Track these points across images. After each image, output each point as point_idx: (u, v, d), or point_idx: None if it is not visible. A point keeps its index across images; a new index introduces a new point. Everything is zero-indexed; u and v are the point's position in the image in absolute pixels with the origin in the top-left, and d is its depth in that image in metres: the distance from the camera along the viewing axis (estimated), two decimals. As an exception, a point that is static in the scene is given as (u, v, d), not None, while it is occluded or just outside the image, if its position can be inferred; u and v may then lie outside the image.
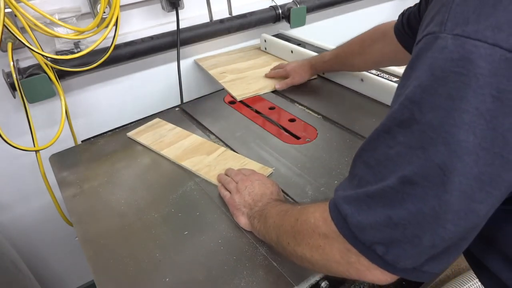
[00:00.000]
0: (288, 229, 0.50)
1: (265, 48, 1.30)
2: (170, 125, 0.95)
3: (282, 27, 1.36)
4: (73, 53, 0.94)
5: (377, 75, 1.00)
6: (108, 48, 0.95)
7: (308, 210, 0.48)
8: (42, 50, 0.88)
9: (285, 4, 1.28)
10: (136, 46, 1.05)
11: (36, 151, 0.95)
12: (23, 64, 0.93)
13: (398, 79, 1.00)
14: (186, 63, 1.24)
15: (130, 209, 0.71)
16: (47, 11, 0.86)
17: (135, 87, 1.18)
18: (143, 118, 1.01)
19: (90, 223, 0.69)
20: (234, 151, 0.85)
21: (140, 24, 1.10)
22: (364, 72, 1.00)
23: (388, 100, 0.95)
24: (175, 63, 1.13)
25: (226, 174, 0.74)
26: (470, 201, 0.34)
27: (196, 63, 1.24)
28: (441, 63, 0.34)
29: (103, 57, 0.96)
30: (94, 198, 0.75)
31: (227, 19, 1.18)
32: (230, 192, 0.69)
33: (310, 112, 0.97)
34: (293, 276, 0.56)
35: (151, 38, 1.08)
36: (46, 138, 0.95)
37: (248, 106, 1.02)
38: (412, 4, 0.76)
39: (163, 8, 1.09)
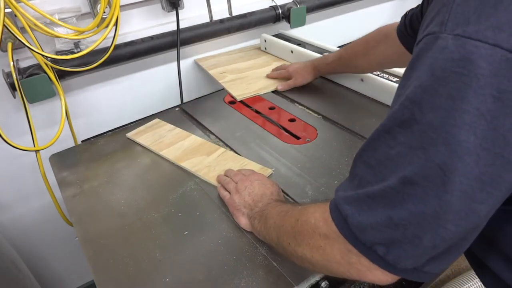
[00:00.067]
0: (288, 230, 0.50)
1: (265, 48, 1.30)
2: (169, 126, 0.94)
3: (282, 27, 1.36)
4: (73, 53, 0.94)
5: (377, 75, 1.00)
6: (108, 48, 0.95)
7: (309, 210, 0.48)
8: (42, 50, 0.88)
9: (285, 4, 1.28)
10: (136, 46, 1.05)
11: (36, 151, 0.95)
12: (23, 64, 0.93)
13: (398, 79, 1.00)
14: (186, 63, 1.24)
15: (130, 209, 0.71)
16: (47, 11, 0.86)
17: (135, 87, 1.17)
18: (143, 118, 1.01)
19: (90, 223, 0.69)
20: (234, 151, 0.85)
21: (140, 24, 1.10)
22: (364, 72, 1.00)
23: (388, 100, 0.96)
24: (175, 63, 1.13)
25: (225, 175, 0.74)
26: (471, 202, 0.34)
27: (196, 63, 1.24)
28: (441, 63, 0.34)
29: (103, 57, 0.96)
30: (94, 198, 0.75)
31: (227, 19, 1.18)
32: (229, 193, 0.69)
33: (310, 112, 0.97)
34: (293, 276, 0.56)
35: (151, 38, 1.08)
36: (46, 138, 0.95)
37: (248, 106, 1.02)
38: (412, 4, 0.76)
39: (163, 8, 1.09)
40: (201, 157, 0.82)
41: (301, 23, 1.30)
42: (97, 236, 0.66)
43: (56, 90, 0.94)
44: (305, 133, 0.88)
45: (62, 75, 0.96)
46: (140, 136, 0.91)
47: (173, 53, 1.13)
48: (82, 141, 1.00)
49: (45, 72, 0.90)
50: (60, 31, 0.88)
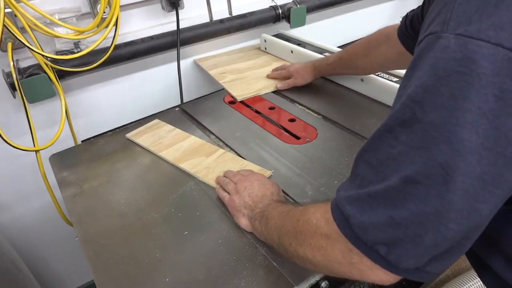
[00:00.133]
0: (289, 230, 0.50)
1: (265, 48, 1.30)
2: (169, 127, 0.94)
3: (282, 27, 1.36)
4: (73, 53, 0.94)
5: (377, 75, 1.00)
6: (108, 48, 0.95)
7: (310, 210, 0.48)
8: (42, 50, 0.88)
9: (285, 4, 1.28)
10: (136, 46, 1.05)
11: (36, 151, 0.95)
12: (23, 64, 0.93)
13: (398, 80, 1.00)
14: (186, 63, 1.24)
15: (130, 209, 0.71)
16: (47, 11, 0.86)
17: (135, 87, 1.17)
18: (143, 118, 1.01)
19: (90, 223, 0.69)
20: (234, 151, 0.85)
21: (140, 24, 1.10)
22: (365, 72, 1.00)
23: (388, 100, 0.96)
24: (175, 63, 1.13)
25: (224, 176, 0.74)
26: (473, 201, 0.33)
27: (196, 63, 1.24)
28: (443, 62, 0.34)
29: (103, 57, 0.96)
30: (94, 198, 0.75)
31: (227, 19, 1.18)
32: (228, 193, 0.69)
33: (310, 112, 0.97)
34: (293, 276, 0.56)
35: (151, 38, 1.08)
36: (46, 138, 0.95)
37: (248, 106, 1.02)
38: (412, 4, 0.76)
39: (163, 8, 1.09)
40: (200, 158, 0.82)
41: (301, 23, 1.30)
42: (97, 236, 0.66)
43: (56, 90, 0.94)
44: (305, 133, 0.88)
45: (62, 75, 0.96)
46: (140, 137, 0.91)
47: (173, 53, 1.13)
48: (82, 141, 1.00)
49: (45, 72, 0.90)
50: (60, 31, 0.88)
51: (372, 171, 0.40)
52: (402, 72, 1.01)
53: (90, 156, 0.89)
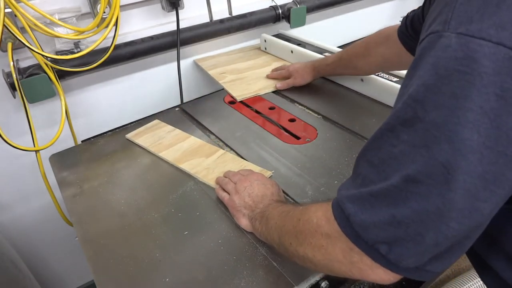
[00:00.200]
0: (290, 229, 0.50)
1: (265, 48, 1.30)
2: (169, 127, 0.94)
3: (282, 27, 1.36)
4: (73, 53, 0.94)
5: (377, 75, 1.00)
6: (108, 48, 0.95)
7: (310, 209, 0.48)
8: (42, 50, 0.88)
9: (285, 4, 1.28)
10: (136, 46, 1.05)
11: (36, 151, 0.95)
12: (23, 64, 0.93)
13: (398, 79, 1.00)
14: (186, 63, 1.24)
15: (130, 209, 0.71)
16: (47, 11, 0.86)
17: (135, 87, 1.17)
18: (143, 118, 1.01)
19: (90, 223, 0.69)
20: (234, 151, 0.85)
21: (140, 24, 1.10)
22: (365, 72, 1.00)
23: (388, 100, 0.96)
24: (175, 63, 1.13)
25: (224, 176, 0.74)
26: (474, 200, 0.34)
27: (195, 63, 1.24)
28: (444, 62, 0.34)
29: (103, 57, 0.96)
30: (94, 198, 0.75)
31: (227, 19, 1.18)
32: (228, 194, 0.68)
33: (310, 112, 0.97)
34: (293, 276, 0.56)
35: (151, 38, 1.08)
36: (46, 138, 0.95)
37: (248, 106, 1.02)
38: (412, 4, 0.76)
39: (163, 8, 1.09)
40: (200, 159, 0.82)
41: (301, 23, 1.30)
42: (97, 236, 0.66)
43: (56, 90, 0.94)
44: (305, 133, 0.88)
45: (62, 75, 0.96)
46: (140, 137, 0.91)
47: (173, 53, 1.13)
48: (82, 141, 1.00)
49: (45, 72, 0.90)
50: (60, 31, 0.88)
51: (373, 170, 0.40)
52: (402, 72, 1.01)
53: (90, 156, 0.89)
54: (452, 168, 0.33)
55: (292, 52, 1.20)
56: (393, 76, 1.02)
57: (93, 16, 0.95)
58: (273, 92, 1.08)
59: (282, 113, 0.98)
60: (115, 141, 0.93)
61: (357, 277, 0.43)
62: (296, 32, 1.35)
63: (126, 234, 0.66)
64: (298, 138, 0.87)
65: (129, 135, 0.92)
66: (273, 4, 1.28)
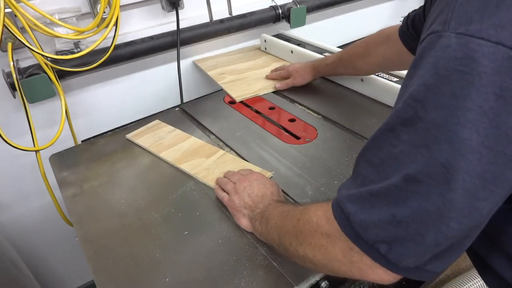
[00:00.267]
0: (290, 229, 0.50)
1: (265, 48, 1.30)
2: (169, 127, 0.94)
3: (282, 27, 1.36)
4: (73, 53, 0.94)
5: (377, 75, 1.00)
6: (108, 48, 0.95)
7: (310, 209, 0.48)
8: (42, 50, 0.88)
9: (285, 4, 1.28)
10: (136, 46, 1.05)
11: (36, 151, 0.95)
12: (23, 64, 0.93)
13: (398, 79, 1.00)
14: (186, 63, 1.24)
15: (130, 209, 0.71)
16: (47, 11, 0.86)
17: (135, 87, 1.17)
18: (143, 118, 1.01)
19: (90, 223, 0.69)
20: (234, 151, 0.85)
21: (140, 24, 1.10)
22: (365, 72, 1.00)
23: (388, 100, 0.96)
24: (175, 63, 1.13)
25: (224, 177, 0.74)
26: (474, 199, 0.34)
27: (195, 64, 1.24)
28: (444, 61, 0.34)
29: (103, 57, 0.96)
30: (94, 198, 0.75)
31: (227, 19, 1.18)
32: (228, 194, 0.68)
33: (310, 112, 0.97)
34: (293, 276, 0.56)
35: (151, 38, 1.08)
36: (46, 138, 0.95)
37: (248, 106, 1.02)
38: (412, 4, 0.76)
39: (163, 8, 1.09)
40: (200, 159, 0.82)
41: (301, 23, 1.30)
42: (97, 236, 0.66)
43: (56, 90, 0.94)
44: (305, 133, 0.88)
45: (62, 75, 0.96)
46: (140, 137, 0.91)
47: (173, 53, 1.13)
48: (82, 141, 1.00)
49: (45, 72, 0.90)
50: (60, 31, 0.88)
51: (373, 170, 0.40)
52: (402, 72, 1.01)
53: (90, 156, 0.89)
54: (452, 168, 0.33)
55: (292, 52, 1.20)
56: (393, 76, 1.02)
57: (93, 16, 0.95)
58: (273, 92, 1.08)
59: (282, 113, 0.98)
60: (115, 141, 0.93)
61: (357, 277, 0.43)
62: (296, 32, 1.35)
63: (126, 234, 0.66)
64: (298, 138, 0.87)
65: (130, 135, 0.92)
66: (273, 4, 1.28)
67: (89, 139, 0.96)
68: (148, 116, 1.02)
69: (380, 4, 1.63)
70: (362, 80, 1.01)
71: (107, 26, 0.90)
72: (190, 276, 0.58)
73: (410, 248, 0.37)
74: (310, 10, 1.32)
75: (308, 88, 1.07)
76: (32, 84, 0.89)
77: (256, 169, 0.77)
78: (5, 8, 0.75)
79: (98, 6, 0.91)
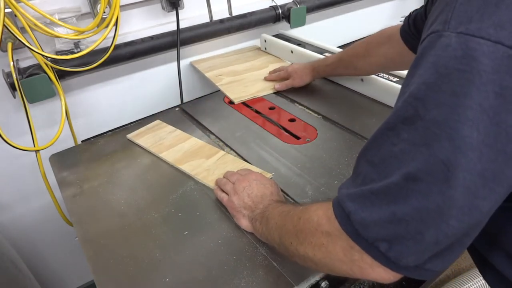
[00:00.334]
0: (290, 229, 0.50)
1: (265, 48, 1.30)
2: (170, 128, 0.94)
3: (282, 27, 1.36)
4: (73, 53, 0.94)
5: (378, 75, 1.00)
6: (108, 48, 0.95)
7: (311, 209, 0.48)
8: (42, 50, 0.88)
9: (285, 4, 1.28)
10: (136, 46, 1.05)
11: (36, 151, 0.95)
12: (23, 64, 0.93)
13: (398, 79, 1.00)
14: (186, 63, 1.24)
15: (130, 209, 0.71)
16: (47, 11, 0.86)
17: (135, 87, 1.17)
18: (143, 118, 1.01)
19: (90, 223, 0.69)
20: (234, 151, 0.85)
21: (140, 24, 1.10)
22: (365, 72, 1.00)
23: (388, 101, 0.96)
24: (175, 63, 1.13)
25: (223, 177, 0.73)
26: (474, 197, 0.34)
27: (192, 65, 1.24)
28: (445, 60, 0.34)
29: (103, 57, 0.96)
30: (94, 198, 0.75)
31: (227, 19, 1.18)
32: (227, 194, 0.68)
33: (310, 112, 0.97)
34: (293, 276, 0.56)
35: (151, 38, 1.08)
36: (46, 138, 0.95)
37: (248, 106, 1.02)
38: (411, 4, 0.76)
39: (163, 8, 1.09)
40: (200, 160, 0.82)
41: (301, 23, 1.30)
42: (97, 236, 0.66)
43: (56, 90, 0.94)
44: (305, 133, 0.88)
45: (62, 75, 0.96)
46: (140, 137, 0.91)
47: (173, 53, 1.13)
48: (82, 141, 1.00)
49: (45, 72, 0.90)
50: (60, 31, 0.88)
51: (374, 169, 0.40)
52: (402, 72, 1.01)
53: (90, 156, 0.89)
54: (452, 165, 0.33)
55: (292, 52, 1.20)
56: (393, 76, 1.02)
57: (93, 16, 0.95)
58: (273, 92, 1.08)
59: (282, 113, 0.98)
60: (115, 141, 0.93)
61: (358, 275, 0.43)
62: (296, 32, 1.35)
63: (126, 234, 0.66)
64: (298, 138, 0.87)
65: (130, 135, 0.92)
66: (273, 4, 1.28)
67: (89, 139, 0.96)
68: (148, 116, 1.02)
69: (380, 4, 1.63)
70: (362, 80, 1.01)
71: (107, 26, 0.90)
72: (190, 276, 0.58)
73: (410, 247, 0.37)
74: (310, 10, 1.32)
75: (308, 88, 1.07)
76: (32, 84, 0.89)
77: (256, 170, 0.77)
78: (5, 8, 0.75)
79: (98, 6, 0.91)
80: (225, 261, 0.59)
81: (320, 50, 1.19)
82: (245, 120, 0.96)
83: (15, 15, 0.82)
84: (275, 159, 0.80)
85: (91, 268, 0.61)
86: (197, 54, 1.25)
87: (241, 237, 0.63)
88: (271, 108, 1.00)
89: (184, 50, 1.20)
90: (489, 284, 0.52)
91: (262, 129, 0.91)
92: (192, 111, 1.02)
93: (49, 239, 1.21)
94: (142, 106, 1.20)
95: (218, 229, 0.65)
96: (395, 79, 1.00)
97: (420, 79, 0.36)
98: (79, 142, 1.05)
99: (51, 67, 0.92)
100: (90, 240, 0.66)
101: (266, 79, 1.13)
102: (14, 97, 0.92)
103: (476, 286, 0.73)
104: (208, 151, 0.84)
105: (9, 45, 0.85)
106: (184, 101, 1.14)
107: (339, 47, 1.23)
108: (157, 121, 0.97)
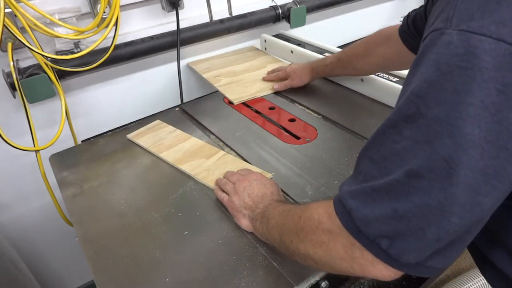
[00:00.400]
0: (291, 227, 0.50)
1: (265, 48, 1.30)
2: (170, 128, 0.94)
3: (282, 27, 1.36)
4: (73, 53, 0.94)
5: (377, 75, 1.00)
6: (108, 48, 0.95)
7: (311, 207, 0.48)
8: (42, 50, 0.88)
9: (285, 4, 1.28)
10: (136, 46, 1.05)
11: (36, 151, 0.95)
12: (23, 64, 0.93)
13: (398, 79, 1.00)
14: (186, 63, 1.24)
15: (130, 209, 0.71)
16: (47, 11, 0.86)
17: (135, 87, 1.17)
18: (143, 118, 1.01)
19: (90, 223, 0.69)
20: (234, 151, 0.85)
21: (140, 24, 1.10)
22: (365, 72, 1.00)
23: (388, 100, 0.96)
24: (175, 63, 1.13)
25: (224, 177, 0.73)
26: (475, 194, 0.34)
27: (189, 66, 1.23)
28: (446, 58, 0.34)
29: (103, 57, 0.96)
30: (94, 198, 0.75)
31: (227, 19, 1.18)
32: (228, 194, 0.68)
33: (310, 112, 0.97)
34: (293, 276, 0.56)
35: (151, 38, 1.08)
36: (46, 138, 0.95)
37: (248, 106, 1.02)
38: (412, 4, 0.76)
39: (163, 8, 1.09)
40: (200, 160, 0.82)
41: (301, 23, 1.30)
42: (97, 236, 0.66)
43: (56, 90, 0.94)
44: (305, 133, 0.88)
45: (62, 75, 0.96)
46: (141, 137, 0.91)
47: (173, 53, 1.13)
48: (82, 141, 1.00)
49: (45, 72, 0.90)
50: (60, 31, 0.88)
51: (375, 166, 0.40)
52: (402, 72, 1.01)
53: (90, 156, 0.89)
54: (454, 162, 0.33)
55: (292, 52, 1.20)
56: (393, 76, 1.02)
57: (93, 16, 0.95)
58: (273, 92, 1.08)
59: (282, 113, 0.98)
60: (115, 141, 0.92)
61: (359, 273, 0.43)
62: (296, 32, 1.35)
63: (126, 234, 0.66)
64: (298, 138, 0.87)
65: (130, 135, 0.92)
66: (273, 4, 1.28)
67: (89, 139, 0.96)
68: (148, 116, 1.02)
69: (380, 4, 1.63)
70: (362, 80, 1.01)
71: (107, 26, 0.90)
72: (190, 276, 0.58)
73: (411, 243, 0.37)
74: (310, 10, 1.32)
75: (308, 88, 1.07)
76: (32, 84, 0.89)
77: (256, 170, 0.77)
78: (5, 8, 0.75)
79: (98, 6, 0.91)
80: (225, 261, 0.59)
81: (320, 50, 1.19)
82: (245, 120, 0.96)
83: (15, 15, 0.82)
84: (275, 159, 0.80)
85: (91, 268, 0.61)
86: (197, 54, 1.25)
87: (241, 237, 0.63)
88: (271, 108, 1.00)
89: (184, 50, 1.20)
90: (489, 282, 0.52)
91: (262, 129, 0.91)
92: (192, 111, 1.02)
93: (49, 239, 1.21)
94: (142, 106, 1.20)
95: (218, 229, 0.65)
96: (395, 79, 1.00)
97: (421, 77, 0.36)
98: (79, 142, 1.05)
99: (51, 67, 0.92)
100: (90, 240, 0.66)
101: (264, 79, 1.13)
102: (14, 97, 0.92)
103: (476, 286, 0.73)
104: (208, 151, 0.84)
105: (9, 45, 0.85)
106: (184, 101, 1.14)
107: (339, 47, 1.23)
108: (157, 121, 0.97)
